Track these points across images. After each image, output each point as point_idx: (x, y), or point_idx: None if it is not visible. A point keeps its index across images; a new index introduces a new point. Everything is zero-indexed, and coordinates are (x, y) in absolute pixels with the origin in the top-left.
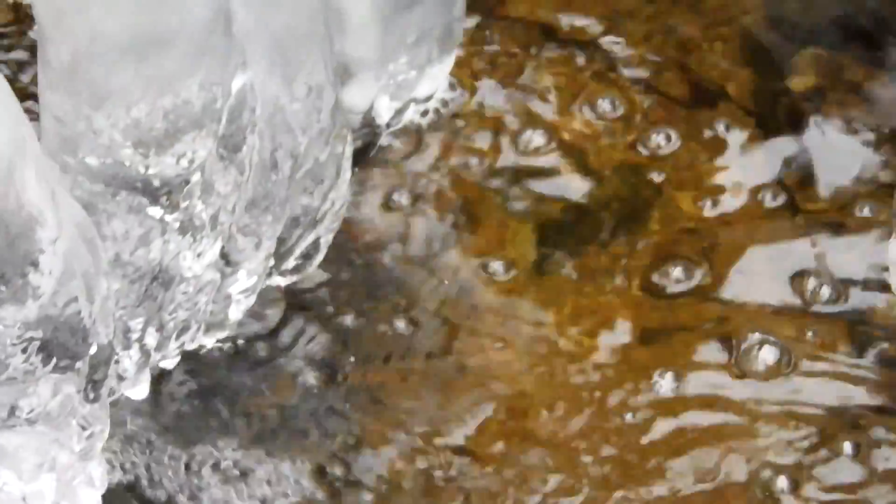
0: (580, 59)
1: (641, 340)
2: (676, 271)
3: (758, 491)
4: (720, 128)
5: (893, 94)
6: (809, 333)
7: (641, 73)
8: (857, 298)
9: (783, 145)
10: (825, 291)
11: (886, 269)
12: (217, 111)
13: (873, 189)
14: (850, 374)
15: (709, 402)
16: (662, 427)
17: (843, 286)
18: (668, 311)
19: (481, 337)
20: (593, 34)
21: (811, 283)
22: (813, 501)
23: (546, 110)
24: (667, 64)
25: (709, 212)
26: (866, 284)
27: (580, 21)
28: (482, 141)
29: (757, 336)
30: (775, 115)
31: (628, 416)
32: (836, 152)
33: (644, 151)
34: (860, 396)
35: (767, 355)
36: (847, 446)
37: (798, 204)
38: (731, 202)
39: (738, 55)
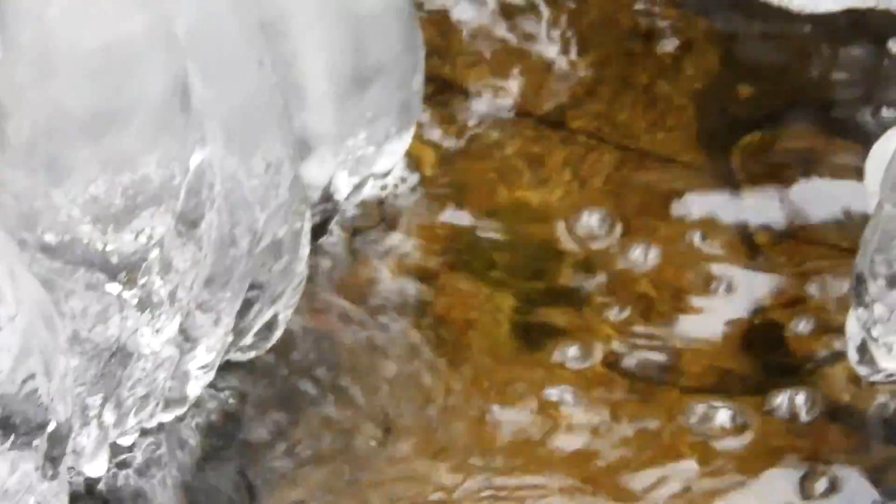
0: (539, 132)
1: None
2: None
3: None
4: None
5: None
6: None
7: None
8: None
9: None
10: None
11: None
12: (175, 187)
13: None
14: None
15: None
16: None
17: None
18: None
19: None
20: (551, 110)
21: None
22: None
23: (508, 182)
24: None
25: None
26: None
27: (540, 98)
28: (442, 215)
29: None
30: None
31: None
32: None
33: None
34: None
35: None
36: None
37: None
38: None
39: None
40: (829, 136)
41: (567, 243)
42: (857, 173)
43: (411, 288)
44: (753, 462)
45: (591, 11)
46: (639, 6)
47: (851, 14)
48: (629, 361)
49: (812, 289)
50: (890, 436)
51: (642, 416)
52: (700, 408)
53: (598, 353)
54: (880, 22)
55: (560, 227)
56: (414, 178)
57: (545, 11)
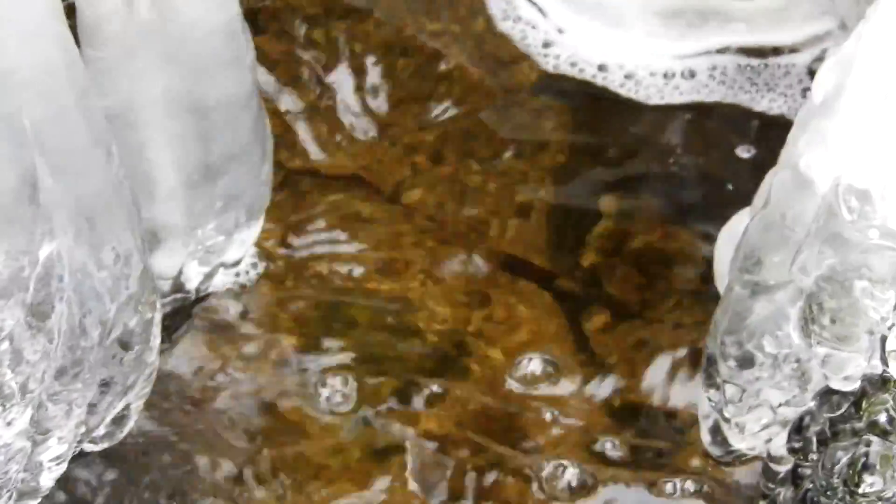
0: (393, 218)
1: None
2: None
3: None
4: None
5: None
6: None
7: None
8: None
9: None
10: None
11: None
12: (24, 280)
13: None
14: None
15: None
16: None
17: None
18: None
19: None
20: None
21: None
22: None
23: (363, 270)
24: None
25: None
26: None
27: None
28: (296, 302)
29: None
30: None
31: None
32: None
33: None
34: None
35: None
36: None
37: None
38: None
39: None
40: (676, 226)
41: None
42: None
43: (257, 380)
44: None
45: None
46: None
47: (698, 106)
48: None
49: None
50: None
51: None
52: None
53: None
54: (727, 114)
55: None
56: (264, 266)
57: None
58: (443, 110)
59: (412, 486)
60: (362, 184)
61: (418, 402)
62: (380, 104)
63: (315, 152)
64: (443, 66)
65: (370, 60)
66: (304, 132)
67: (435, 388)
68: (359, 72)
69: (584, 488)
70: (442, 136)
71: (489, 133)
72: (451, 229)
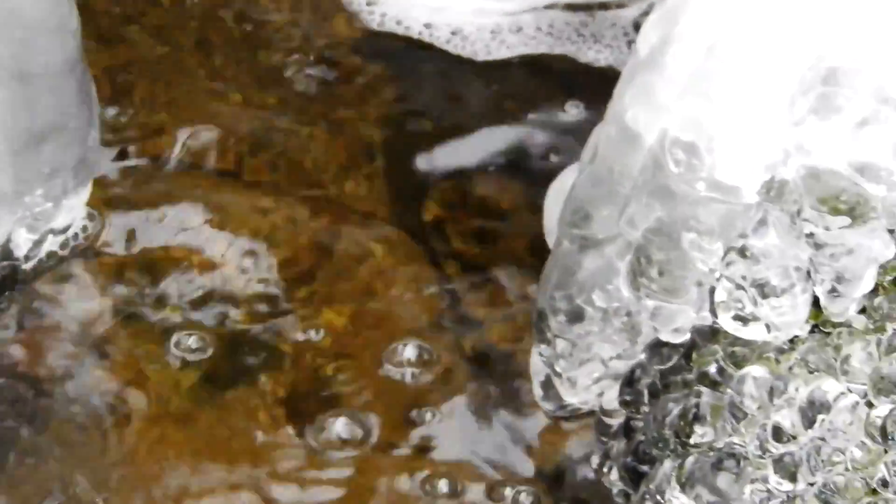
0: (227, 182)
1: None
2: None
3: None
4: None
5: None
6: None
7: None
8: None
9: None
10: None
11: None
12: None
13: None
14: None
15: None
16: None
17: None
18: None
19: None
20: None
21: None
22: None
23: (198, 237)
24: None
25: None
26: None
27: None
28: (127, 267)
29: None
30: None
31: None
32: None
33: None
34: None
35: None
36: None
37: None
38: None
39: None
40: (508, 181)
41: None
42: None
43: (86, 352)
44: None
45: (262, 58)
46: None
47: (526, 60)
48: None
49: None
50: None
51: None
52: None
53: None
54: (554, 67)
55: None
56: (93, 233)
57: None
58: (273, 65)
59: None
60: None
61: (256, 360)
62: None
63: (145, 115)
64: (274, 17)
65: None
66: (132, 96)
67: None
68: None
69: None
70: (276, 93)
71: (317, 89)
72: (286, 190)
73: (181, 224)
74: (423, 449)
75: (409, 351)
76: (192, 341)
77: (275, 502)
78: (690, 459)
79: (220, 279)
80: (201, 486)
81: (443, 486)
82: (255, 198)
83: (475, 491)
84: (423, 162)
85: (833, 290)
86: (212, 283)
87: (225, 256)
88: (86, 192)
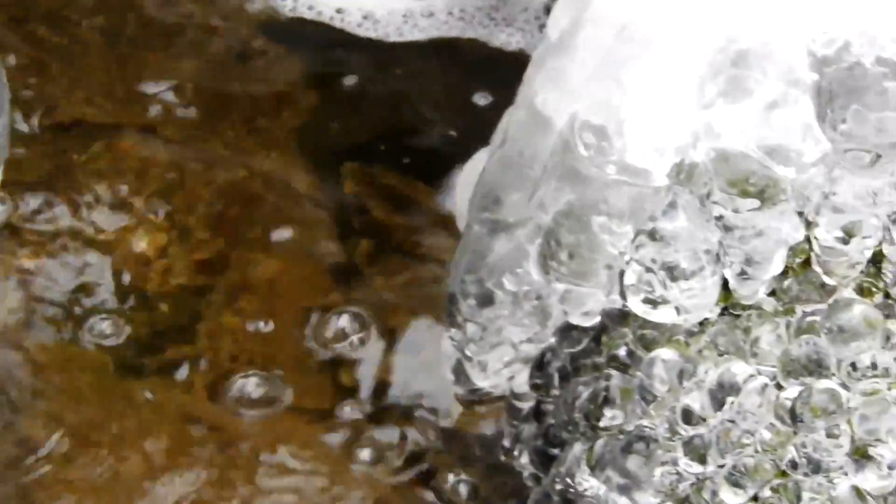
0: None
1: None
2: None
3: None
4: None
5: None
6: None
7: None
8: None
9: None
10: None
11: None
12: None
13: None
14: None
15: None
16: None
17: None
18: None
19: None
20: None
21: None
22: None
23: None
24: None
25: None
26: None
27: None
28: (38, 252)
29: None
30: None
31: None
32: None
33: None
34: None
35: None
36: None
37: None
38: None
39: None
40: (418, 164)
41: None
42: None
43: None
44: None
45: (180, 37)
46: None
47: (437, 44)
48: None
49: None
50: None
51: None
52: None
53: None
54: (465, 50)
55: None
56: (5, 216)
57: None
58: (182, 54)
59: None
60: (114, 131)
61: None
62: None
63: (51, 99)
64: (180, 9)
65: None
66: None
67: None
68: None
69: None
70: (185, 78)
71: (227, 73)
72: (202, 168)
73: (94, 205)
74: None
75: (325, 326)
76: (107, 326)
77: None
78: (600, 442)
79: (133, 261)
80: (121, 468)
81: (365, 454)
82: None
83: (393, 459)
84: (334, 144)
85: (742, 273)
86: (125, 264)
87: (139, 237)
88: None
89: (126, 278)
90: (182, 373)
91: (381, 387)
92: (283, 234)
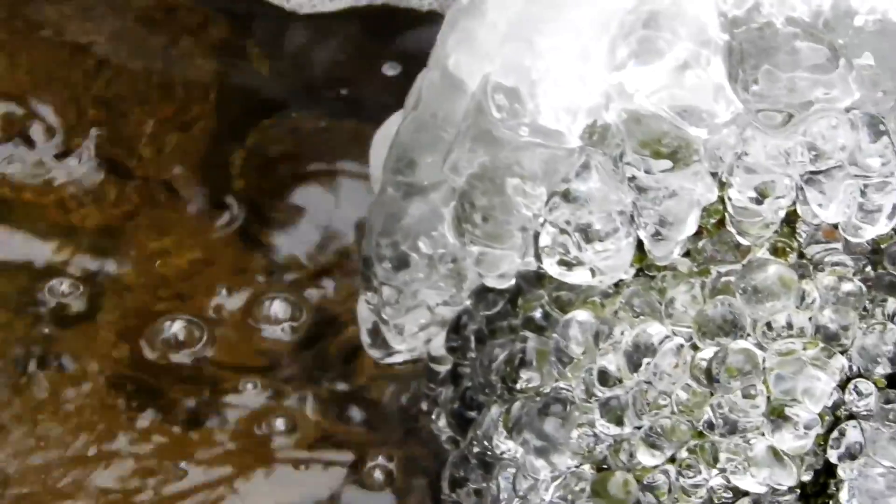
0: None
1: None
2: None
3: None
4: None
5: None
6: None
7: None
8: None
9: None
10: None
11: None
12: None
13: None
14: None
15: None
16: None
17: None
18: None
19: None
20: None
21: None
22: None
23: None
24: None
25: None
26: None
27: None
28: None
29: None
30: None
31: None
32: None
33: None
34: None
35: None
36: None
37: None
38: None
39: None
40: (332, 126)
41: None
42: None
43: None
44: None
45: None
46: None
47: (351, 11)
48: None
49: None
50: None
51: None
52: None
53: None
54: (380, 14)
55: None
56: None
57: None
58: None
59: None
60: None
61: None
62: None
63: None
64: None
65: None
66: None
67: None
68: None
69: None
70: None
71: (143, 43)
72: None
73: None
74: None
75: (236, 302)
76: (66, 286)
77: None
78: (517, 405)
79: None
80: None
81: (280, 423)
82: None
83: (309, 427)
84: (246, 109)
85: (657, 234)
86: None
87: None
88: None
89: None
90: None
91: (295, 356)
92: (186, 200)
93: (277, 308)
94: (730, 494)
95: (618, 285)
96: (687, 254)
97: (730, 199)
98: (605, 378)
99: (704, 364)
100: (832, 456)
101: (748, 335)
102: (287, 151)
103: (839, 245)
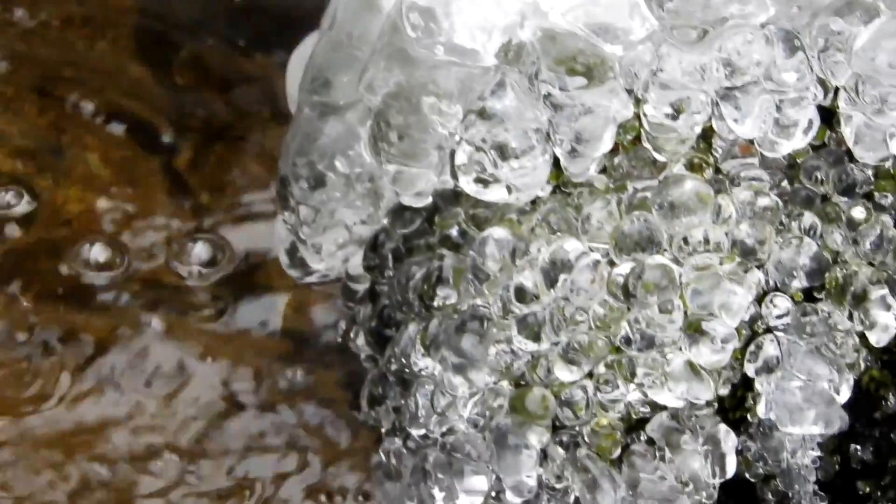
0: None
1: None
2: None
3: None
4: None
5: None
6: None
7: None
8: None
9: None
10: None
11: None
12: None
13: None
14: None
15: None
16: None
17: None
18: None
19: None
20: None
21: None
22: None
23: None
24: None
25: None
26: None
27: None
28: None
29: None
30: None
31: None
32: None
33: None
34: None
35: None
36: None
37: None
38: None
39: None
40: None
41: None
42: None
43: None
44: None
45: None
46: None
47: None
48: None
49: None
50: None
51: None
52: None
53: None
54: None
55: None
56: None
57: None
58: None
59: None
60: None
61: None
62: None
63: None
64: None
65: None
66: None
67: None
68: None
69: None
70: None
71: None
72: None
73: None
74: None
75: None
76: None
77: None
78: (434, 322)
79: None
80: None
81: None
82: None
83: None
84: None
85: (573, 151)
86: None
87: None
88: None
89: None
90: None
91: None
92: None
93: (200, 250)
94: (647, 409)
95: (534, 202)
96: (603, 170)
97: (645, 115)
98: (522, 295)
99: (621, 280)
100: (749, 370)
101: (665, 250)
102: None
103: (755, 160)
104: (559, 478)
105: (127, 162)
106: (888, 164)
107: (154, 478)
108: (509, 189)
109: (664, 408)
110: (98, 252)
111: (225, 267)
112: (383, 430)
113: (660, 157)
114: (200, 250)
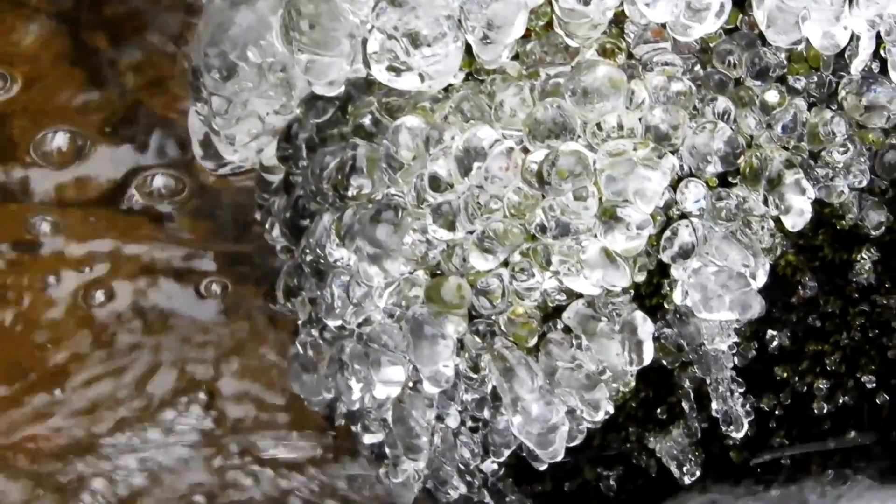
0: None
1: None
2: None
3: None
4: None
5: None
6: None
7: None
8: None
9: None
10: None
11: None
12: None
13: None
14: None
15: None
16: None
17: None
18: None
19: None
20: None
21: None
22: None
23: None
24: None
25: None
26: None
27: None
28: None
29: None
30: None
31: None
32: None
33: None
34: None
35: None
36: None
37: None
38: None
39: None
40: None
41: None
42: None
43: None
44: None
45: None
46: None
47: None
48: None
49: None
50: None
51: None
52: None
53: None
54: None
55: None
56: None
57: None
58: None
59: None
60: None
61: None
62: None
63: None
64: None
65: None
66: None
67: None
68: None
69: None
70: None
71: None
72: None
73: None
74: None
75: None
76: None
77: None
78: (349, 212)
79: None
80: None
81: None
82: None
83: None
84: None
85: (485, 37)
86: None
87: None
88: None
89: None
90: None
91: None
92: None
93: None
94: (563, 297)
95: (447, 90)
96: (516, 57)
97: (557, 0)
98: (436, 183)
99: (535, 167)
100: (665, 256)
101: (578, 137)
102: None
103: (668, 44)
104: (476, 367)
105: None
106: (801, 47)
107: None
108: (422, 77)
109: (580, 295)
110: None
111: None
112: (299, 322)
113: (572, 43)
114: None
